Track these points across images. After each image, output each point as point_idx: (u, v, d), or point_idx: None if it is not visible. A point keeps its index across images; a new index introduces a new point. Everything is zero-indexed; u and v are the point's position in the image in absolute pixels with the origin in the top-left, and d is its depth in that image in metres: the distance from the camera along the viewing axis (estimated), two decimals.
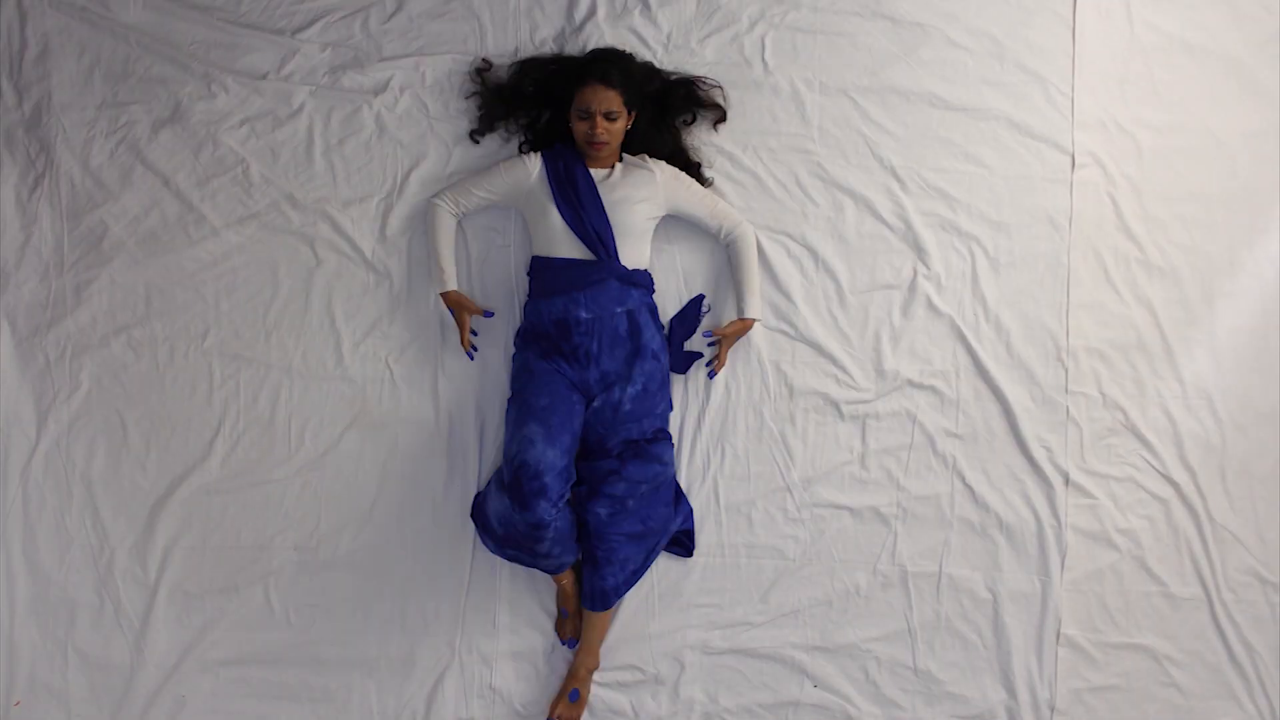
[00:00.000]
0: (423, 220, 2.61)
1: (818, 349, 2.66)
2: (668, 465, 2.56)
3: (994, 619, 2.66)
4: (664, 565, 2.66)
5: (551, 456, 2.35)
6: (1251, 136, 2.69)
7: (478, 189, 2.52)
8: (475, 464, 2.64)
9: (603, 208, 2.46)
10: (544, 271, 2.48)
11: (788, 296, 2.66)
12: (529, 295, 2.54)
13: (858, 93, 2.67)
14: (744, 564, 2.66)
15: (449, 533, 2.64)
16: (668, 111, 2.59)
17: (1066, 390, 2.67)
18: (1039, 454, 2.67)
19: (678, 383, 2.65)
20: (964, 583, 2.66)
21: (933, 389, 2.67)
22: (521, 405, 2.43)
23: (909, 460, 2.67)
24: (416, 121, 2.65)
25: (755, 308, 2.57)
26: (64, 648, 2.62)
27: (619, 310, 2.47)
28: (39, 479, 2.62)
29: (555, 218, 2.44)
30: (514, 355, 2.57)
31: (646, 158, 2.55)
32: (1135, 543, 2.68)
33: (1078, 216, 2.68)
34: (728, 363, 2.62)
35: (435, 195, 2.55)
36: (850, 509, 2.66)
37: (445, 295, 2.55)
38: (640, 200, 2.49)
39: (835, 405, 2.66)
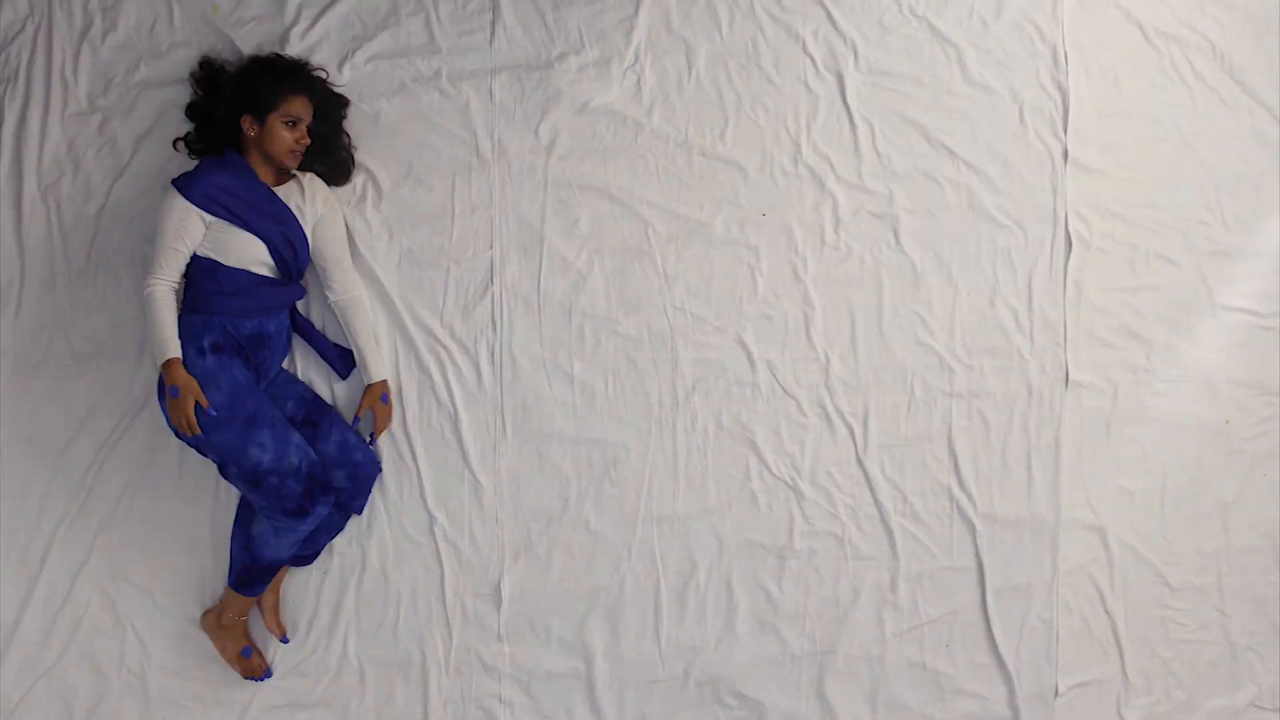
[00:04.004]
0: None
1: (806, 339, 2.66)
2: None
3: (993, 613, 2.67)
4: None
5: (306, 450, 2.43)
6: (1239, 115, 2.66)
7: (180, 250, 2.35)
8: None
9: (302, 229, 2.47)
10: (246, 287, 2.40)
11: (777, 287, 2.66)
12: (213, 306, 2.38)
13: (835, 75, 2.64)
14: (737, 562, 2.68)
15: (443, 544, 2.67)
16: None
17: (1067, 381, 2.65)
18: (1036, 442, 2.66)
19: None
20: (963, 578, 2.67)
21: (926, 383, 2.66)
22: (260, 416, 2.37)
23: (904, 456, 2.66)
24: None
25: (382, 368, 2.59)
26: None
27: (288, 325, 2.55)
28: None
29: (261, 249, 2.41)
30: (206, 360, 2.35)
31: (312, 176, 2.55)
32: (1132, 528, 2.69)
33: (1071, 203, 2.65)
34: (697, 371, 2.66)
35: (147, 283, 2.33)
36: (848, 505, 2.67)
37: (173, 364, 2.31)
38: (316, 218, 2.53)
39: (822, 405, 2.66)
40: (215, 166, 2.40)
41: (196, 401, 2.30)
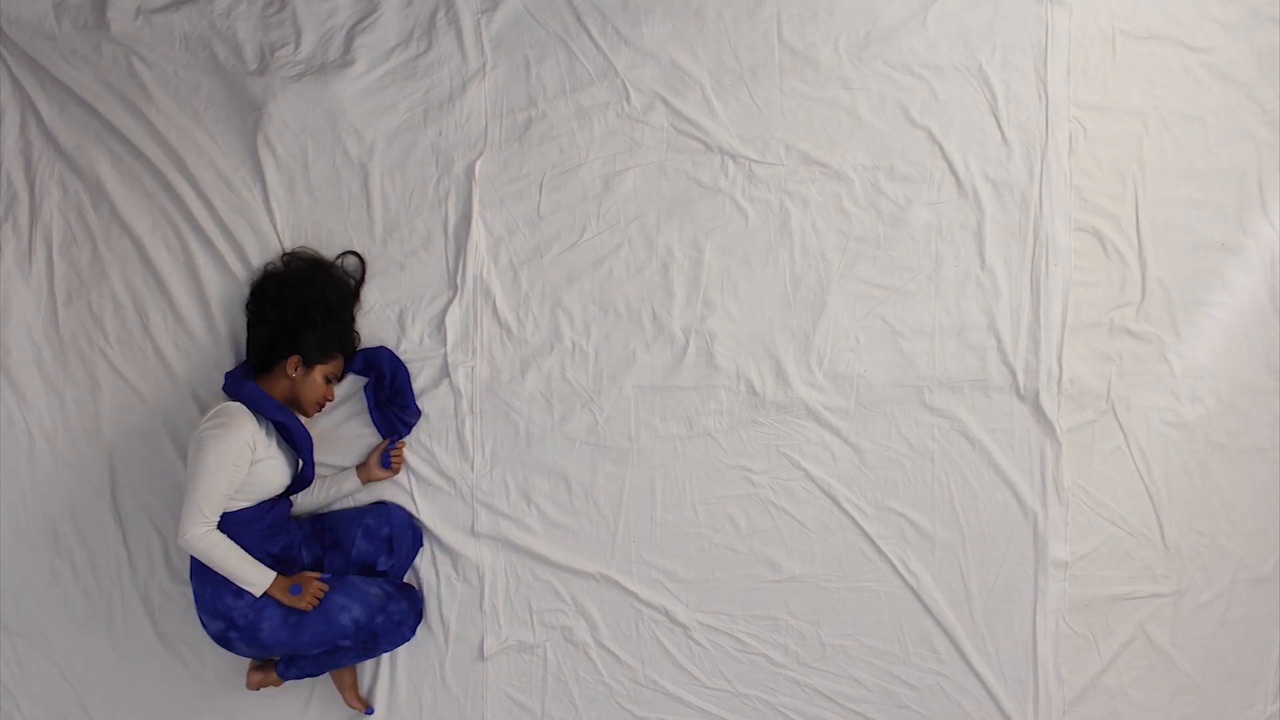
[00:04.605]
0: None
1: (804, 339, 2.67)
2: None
3: (995, 618, 2.66)
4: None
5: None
6: (1224, 115, 2.69)
7: (227, 492, 2.30)
8: None
9: (312, 455, 2.48)
10: (264, 516, 2.39)
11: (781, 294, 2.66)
12: (242, 545, 2.34)
13: (830, 66, 2.66)
14: (732, 564, 2.67)
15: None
16: None
17: (1062, 378, 2.65)
18: (1032, 446, 2.66)
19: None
20: (961, 587, 2.66)
21: (919, 387, 2.66)
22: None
23: (904, 460, 2.66)
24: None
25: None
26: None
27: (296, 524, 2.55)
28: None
29: (286, 478, 2.42)
30: (246, 597, 2.33)
31: None
32: (1128, 531, 2.68)
33: (1058, 201, 2.66)
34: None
35: (191, 528, 2.26)
36: (845, 510, 2.66)
37: (277, 580, 2.34)
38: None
39: (813, 412, 2.65)
40: (257, 397, 2.36)
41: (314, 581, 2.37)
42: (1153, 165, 2.68)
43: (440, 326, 2.62)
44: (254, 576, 2.31)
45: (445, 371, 2.62)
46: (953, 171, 2.65)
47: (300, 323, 2.42)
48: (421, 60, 2.63)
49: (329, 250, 2.61)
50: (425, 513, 2.64)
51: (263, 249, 2.63)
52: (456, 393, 2.63)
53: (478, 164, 2.63)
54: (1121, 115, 2.67)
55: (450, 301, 2.63)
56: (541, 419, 2.64)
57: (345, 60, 2.62)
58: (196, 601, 2.37)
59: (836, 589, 2.66)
